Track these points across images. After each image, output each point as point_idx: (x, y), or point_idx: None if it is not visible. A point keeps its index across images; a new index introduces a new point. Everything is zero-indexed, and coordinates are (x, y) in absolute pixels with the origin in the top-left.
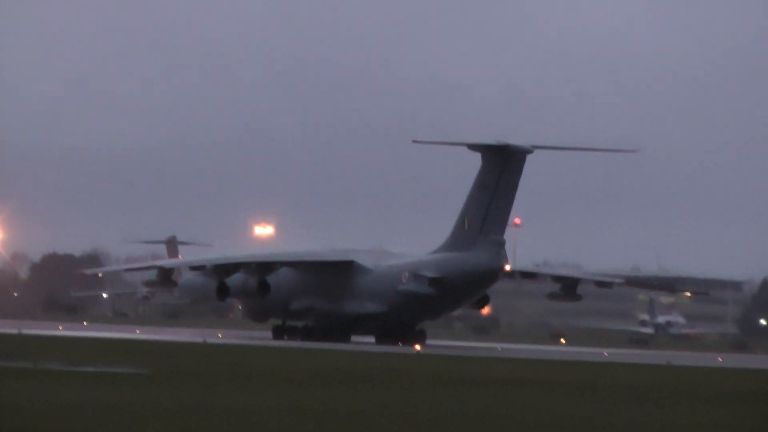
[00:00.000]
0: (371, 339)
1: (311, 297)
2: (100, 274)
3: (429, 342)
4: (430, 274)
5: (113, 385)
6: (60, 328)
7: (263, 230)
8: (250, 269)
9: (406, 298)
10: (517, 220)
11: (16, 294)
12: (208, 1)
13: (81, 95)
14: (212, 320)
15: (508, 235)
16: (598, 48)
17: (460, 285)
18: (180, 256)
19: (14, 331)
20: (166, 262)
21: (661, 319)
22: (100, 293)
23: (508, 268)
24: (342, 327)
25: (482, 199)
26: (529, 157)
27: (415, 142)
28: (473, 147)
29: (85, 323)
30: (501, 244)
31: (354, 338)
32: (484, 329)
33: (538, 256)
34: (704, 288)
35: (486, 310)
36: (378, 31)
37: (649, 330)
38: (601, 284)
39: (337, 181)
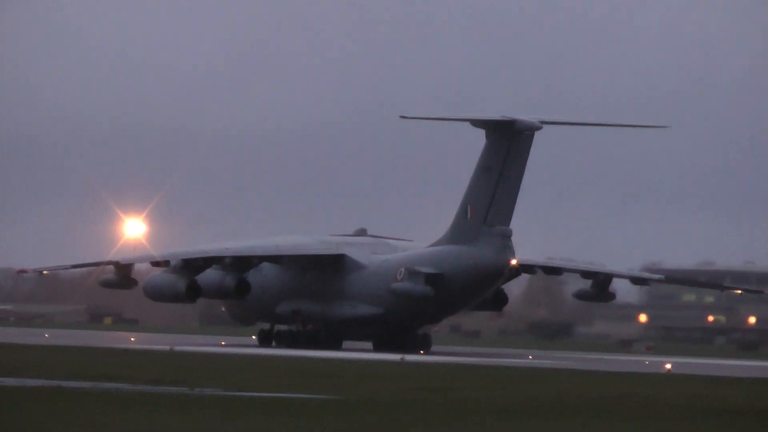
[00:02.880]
0: (367, 345)
1: (298, 297)
2: (45, 272)
3: (434, 349)
4: (426, 270)
5: (316, 417)
6: (222, 343)
7: None
8: (226, 265)
9: (400, 298)
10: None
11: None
12: None
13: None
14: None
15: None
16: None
17: (460, 283)
18: None
19: (165, 347)
20: (124, 257)
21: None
22: None
23: (514, 262)
24: (332, 332)
25: (486, 184)
26: (539, 136)
27: (402, 117)
28: (476, 123)
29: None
30: (507, 236)
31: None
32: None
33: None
34: (757, 284)
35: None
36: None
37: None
38: (637, 281)
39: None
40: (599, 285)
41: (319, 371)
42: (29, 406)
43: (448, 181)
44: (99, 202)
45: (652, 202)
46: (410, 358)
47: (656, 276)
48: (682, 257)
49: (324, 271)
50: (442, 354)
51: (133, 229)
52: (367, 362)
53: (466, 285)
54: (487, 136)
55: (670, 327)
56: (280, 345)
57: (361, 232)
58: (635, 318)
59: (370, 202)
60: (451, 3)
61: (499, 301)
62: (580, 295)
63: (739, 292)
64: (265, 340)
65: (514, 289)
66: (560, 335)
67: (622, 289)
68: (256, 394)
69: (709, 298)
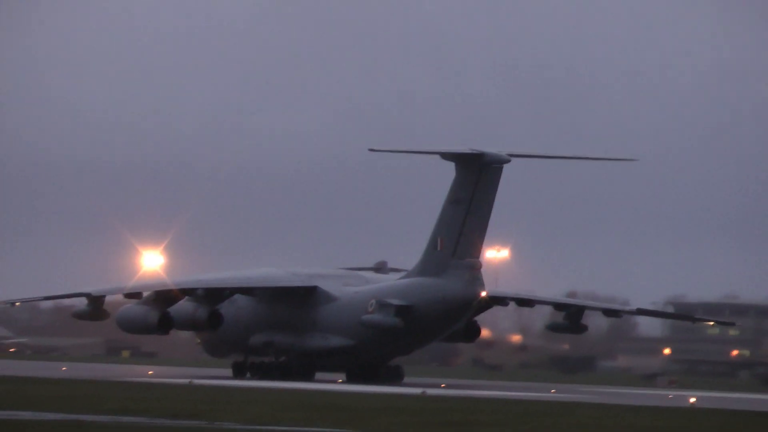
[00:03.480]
0: (339, 377)
1: (270, 329)
2: (17, 303)
3: (407, 380)
4: (396, 302)
5: None
6: (339, 381)
7: (497, 254)
8: (198, 297)
9: (370, 329)
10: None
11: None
12: None
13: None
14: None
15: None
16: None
17: (430, 315)
18: None
19: (184, 381)
20: (96, 288)
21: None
22: None
23: (483, 294)
24: (304, 363)
25: (456, 216)
26: (508, 169)
27: (371, 150)
28: (446, 156)
29: None
30: (476, 268)
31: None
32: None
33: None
34: (729, 316)
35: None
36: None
37: None
38: (609, 313)
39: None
40: (571, 317)
41: (335, 404)
42: None
43: (419, 214)
44: (116, 235)
45: (673, 235)
46: (431, 391)
47: (628, 308)
48: (706, 290)
49: (296, 302)
50: (462, 387)
51: (151, 261)
52: (386, 395)
53: (435, 317)
54: (457, 169)
55: (694, 361)
56: (254, 377)
57: (381, 265)
58: (659, 352)
59: (357, 234)
60: (419, 37)
61: (471, 332)
62: (554, 327)
63: (712, 323)
64: (239, 371)
65: (537, 322)
66: (583, 369)
67: (644, 323)
68: (274, 428)
69: (734, 332)
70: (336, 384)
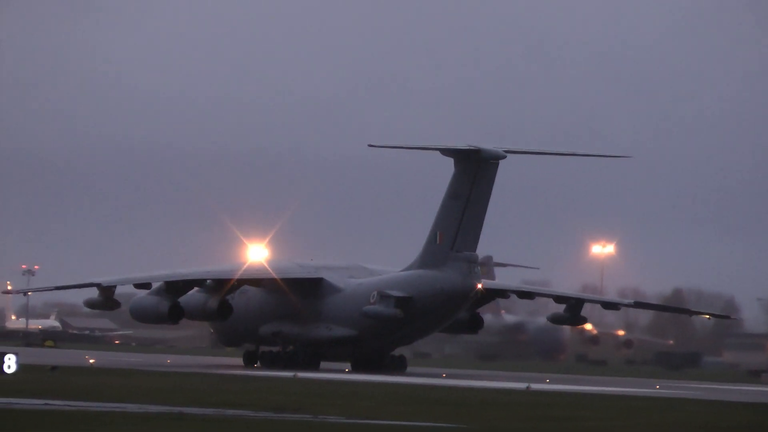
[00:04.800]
0: (344, 366)
1: (278, 319)
2: (29, 293)
3: (410, 370)
4: (396, 293)
5: None
6: (346, 370)
7: (602, 249)
8: (208, 288)
9: (372, 320)
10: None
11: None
12: None
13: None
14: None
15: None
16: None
17: (429, 306)
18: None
19: (288, 374)
20: (106, 279)
21: None
22: None
23: (479, 286)
24: (310, 353)
25: (454, 210)
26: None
27: (371, 146)
28: (446, 152)
29: None
30: (473, 261)
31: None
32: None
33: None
34: (726, 310)
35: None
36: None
37: None
38: (608, 305)
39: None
40: (571, 309)
41: (440, 399)
42: None
43: (418, 208)
44: (223, 227)
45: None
46: (536, 386)
47: (626, 301)
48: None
49: (303, 294)
50: (566, 382)
51: (256, 254)
52: (490, 390)
53: (434, 308)
54: (456, 165)
55: None
56: (263, 366)
57: (488, 260)
58: (765, 347)
59: (362, 231)
60: (421, 29)
61: (474, 324)
62: (554, 319)
63: (708, 317)
64: (250, 360)
65: (641, 318)
66: (688, 365)
67: (750, 318)
68: (378, 422)
69: None
70: (440, 378)
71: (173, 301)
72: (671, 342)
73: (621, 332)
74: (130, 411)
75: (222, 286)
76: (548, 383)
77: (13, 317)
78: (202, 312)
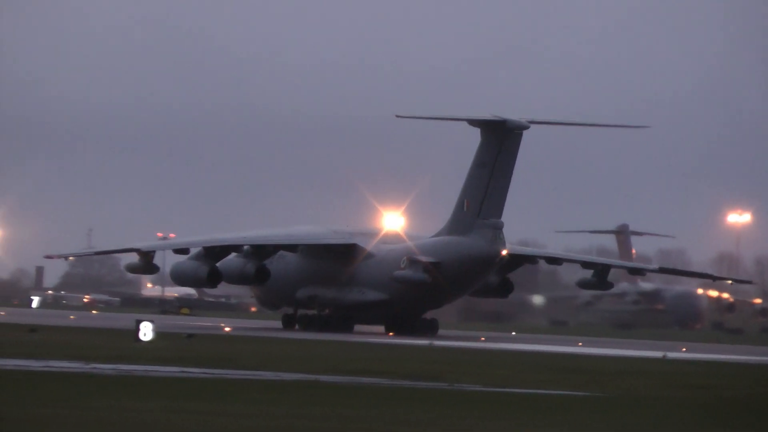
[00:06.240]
0: (378, 329)
1: (314, 284)
2: (71, 257)
3: (441, 333)
4: (426, 259)
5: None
6: (482, 339)
7: (739, 218)
8: (246, 253)
9: (402, 284)
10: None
11: None
12: None
13: None
14: (673, 332)
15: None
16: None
17: (456, 271)
18: (633, 250)
19: (423, 342)
20: (145, 244)
21: None
22: None
23: (504, 252)
24: (343, 316)
25: (481, 179)
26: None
27: (398, 116)
28: (473, 122)
29: (513, 333)
30: (498, 227)
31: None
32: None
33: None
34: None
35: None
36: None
37: None
38: (634, 271)
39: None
40: (599, 274)
41: (576, 367)
42: (285, 400)
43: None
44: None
45: None
46: (672, 354)
47: (651, 266)
48: None
49: (337, 259)
50: (702, 351)
51: (392, 222)
52: (626, 359)
53: (461, 272)
54: (482, 135)
55: None
56: (302, 328)
57: (624, 228)
58: None
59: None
60: (443, 6)
61: (505, 288)
62: (582, 284)
63: (730, 282)
64: (288, 323)
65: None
66: None
67: None
68: (515, 390)
69: None
70: (576, 346)
71: (211, 265)
72: None
73: (758, 300)
74: (266, 378)
75: (259, 252)
76: (684, 352)
77: (149, 285)
78: (240, 276)
